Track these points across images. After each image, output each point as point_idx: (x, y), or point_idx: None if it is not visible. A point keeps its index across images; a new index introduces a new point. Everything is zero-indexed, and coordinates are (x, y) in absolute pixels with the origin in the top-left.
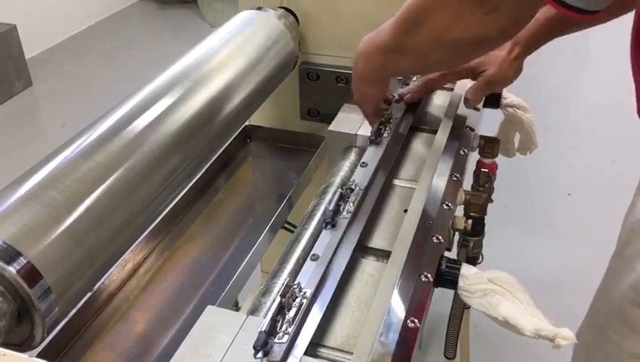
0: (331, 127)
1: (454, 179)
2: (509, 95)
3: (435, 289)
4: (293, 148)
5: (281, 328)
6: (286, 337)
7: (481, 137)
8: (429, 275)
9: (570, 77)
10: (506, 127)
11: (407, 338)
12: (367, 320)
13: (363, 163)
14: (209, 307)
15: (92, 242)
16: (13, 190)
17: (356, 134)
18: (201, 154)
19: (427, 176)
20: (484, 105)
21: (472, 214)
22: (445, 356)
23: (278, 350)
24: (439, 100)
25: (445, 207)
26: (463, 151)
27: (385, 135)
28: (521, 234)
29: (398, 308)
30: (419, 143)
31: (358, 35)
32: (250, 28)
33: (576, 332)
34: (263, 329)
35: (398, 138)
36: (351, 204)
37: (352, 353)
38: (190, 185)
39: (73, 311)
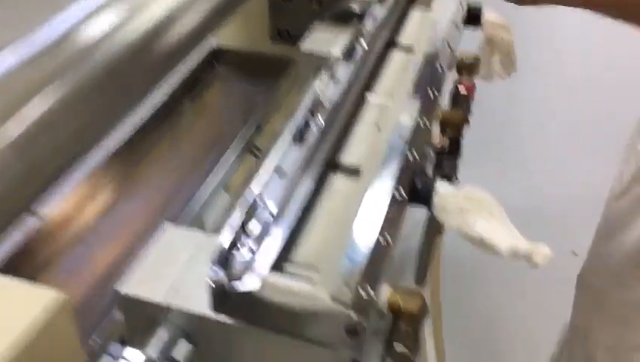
0: (302, 48)
1: (430, 95)
2: (490, 13)
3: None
4: (264, 73)
5: (243, 244)
6: (248, 253)
7: (461, 55)
8: (403, 192)
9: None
10: (486, 47)
11: (379, 255)
12: (335, 236)
13: (334, 78)
14: (166, 224)
15: (38, 152)
16: None
17: (330, 55)
18: (159, 67)
19: (402, 92)
20: (465, 23)
21: (447, 133)
22: (415, 282)
23: (239, 266)
24: (416, 19)
25: (420, 123)
26: (441, 67)
27: (359, 50)
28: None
29: (369, 224)
30: (394, 60)
31: None
32: None
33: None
34: (223, 245)
35: (372, 54)
36: (320, 120)
37: (317, 268)
38: (151, 107)
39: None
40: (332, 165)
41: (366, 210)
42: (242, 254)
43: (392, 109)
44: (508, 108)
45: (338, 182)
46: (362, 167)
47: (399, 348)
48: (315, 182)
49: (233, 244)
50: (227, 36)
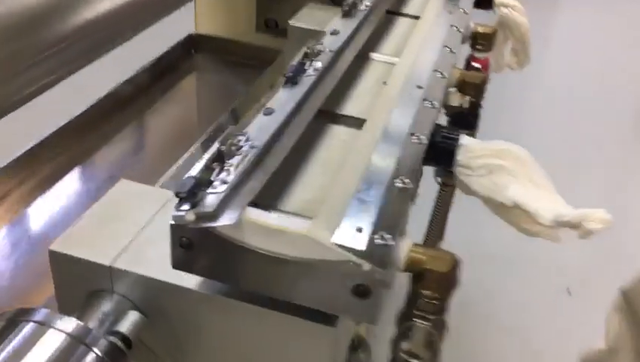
0: (292, 22)
1: (448, 50)
2: None
3: None
4: (246, 63)
5: (218, 178)
6: (224, 186)
7: (475, 26)
8: (422, 137)
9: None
10: (498, 32)
11: (396, 200)
12: (338, 178)
13: (334, 31)
14: (122, 180)
15: None
16: None
17: (323, 31)
18: (110, 24)
19: (413, 46)
20: (476, 6)
21: (467, 93)
22: None
23: (211, 199)
24: None
25: (438, 75)
26: (456, 28)
27: (361, 8)
28: None
29: (382, 167)
30: (401, 24)
31: None
32: None
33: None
34: (191, 174)
35: (375, 14)
36: (318, 63)
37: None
38: (112, 89)
39: None
40: (331, 117)
41: (377, 153)
42: (216, 188)
43: (401, 64)
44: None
45: (339, 132)
46: (368, 117)
47: (419, 323)
48: (308, 126)
49: (205, 177)
50: (208, 25)
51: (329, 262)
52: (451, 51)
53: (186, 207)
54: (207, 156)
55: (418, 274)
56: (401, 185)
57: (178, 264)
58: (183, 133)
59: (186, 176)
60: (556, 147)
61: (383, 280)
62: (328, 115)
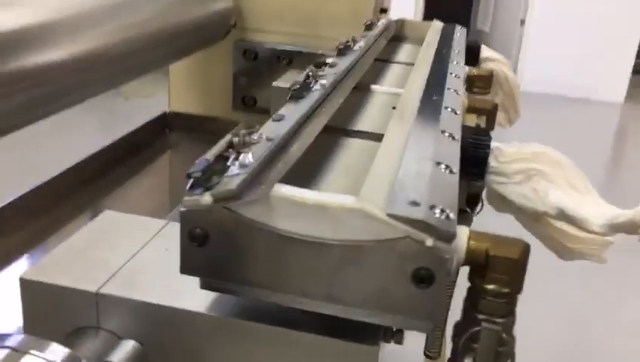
0: (276, 83)
1: (455, 76)
2: (487, 49)
3: None
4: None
5: (235, 162)
6: (244, 169)
7: (470, 70)
8: (454, 134)
9: None
10: None
11: (445, 181)
12: (377, 158)
13: (332, 63)
14: (107, 211)
15: None
16: None
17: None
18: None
19: (416, 79)
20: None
21: (480, 118)
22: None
23: (231, 180)
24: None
25: (449, 110)
26: (457, 62)
27: (355, 50)
28: None
29: (421, 155)
30: (394, 69)
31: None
32: None
33: None
34: (206, 157)
35: (374, 49)
36: (323, 81)
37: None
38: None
39: None
40: (344, 132)
41: (410, 147)
42: (234, 172)
43: (407, 93)
44: None
45: (356, 144)
46: (386, 132)
47: (487, 325)
48: (323, 139)
49: (219, 167)
50: (183, 103)
51: (384, 242)
52: (456, 93)
53: (199, 191)
54: (219, 145)
55: (481, 265)
56: (445, 170)
57: (189, 265)
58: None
59: (199, 158)
60: None
61: (447, 262)
62: (340, 131)
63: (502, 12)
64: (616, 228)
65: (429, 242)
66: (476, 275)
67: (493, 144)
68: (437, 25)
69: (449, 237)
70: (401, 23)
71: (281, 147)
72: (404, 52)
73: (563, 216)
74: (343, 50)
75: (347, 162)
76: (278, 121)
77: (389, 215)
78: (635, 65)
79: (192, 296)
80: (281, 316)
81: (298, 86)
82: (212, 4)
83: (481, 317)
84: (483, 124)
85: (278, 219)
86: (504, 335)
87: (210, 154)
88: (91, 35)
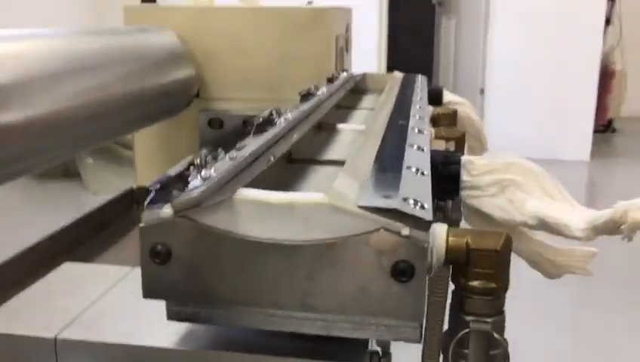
0: None
1: (418, 115)
2: (449, 93)
3: None
4: None
5: (197, 175)
6: (206, 180)
7: (435, 110)
8: (423, 147)
9: None
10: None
11: (418, 181)
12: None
13: (293, 106)
14: (66, 263)
15: None
16: None
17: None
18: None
19: (380, 119)
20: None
21: (449, 145)
22: None
23: (194, 187)
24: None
25: (415, 130)
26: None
27: (317, 95)
28: None
29: (390, 162)
30: (358, 113)
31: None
32: (141, 30)
33: None
34: (167, 173)
35: (336, 96)
36: (288, 115)
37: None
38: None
39: None
40: (309, 162)
41: (380, 155)
42: (196, 183)
43: (373, 125)
44: None
45: (321, 172)
46: (350, 157)
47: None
48: (286, 169)
49: (181, 177)
50: (152, 177)
51: (358, 238)
52: (421, 119)
53: (159, 205)
54: (180, 164)
55: (463, 262)
56: (415, 171)
57: (152, 287)
58: None
59: (162, 175)
60: None
61: (426, 251)
62: (306, 161)
63: (461, 83)
64: (597, 230)
65: (405, 231)
66: (459, 274)
67: (465, 158)
68: (397, 75)
69: (425, 226)
70: (362, 76)
71: (243, 166)
72: (366, 100)
73: (542, 224)
74: (305, 96)
75: (313, 185)
76: (241, 149)
77: (361, 207)
78: (594, 125)
79: (160, 333)
80: (254, 342)
81: (261, 120)
82: (174, 73)
83: (468, 318)
84: (452, 148)
85: (243, 224)
86: (495, 334)
87: (172, 171)
88: (50, 98)
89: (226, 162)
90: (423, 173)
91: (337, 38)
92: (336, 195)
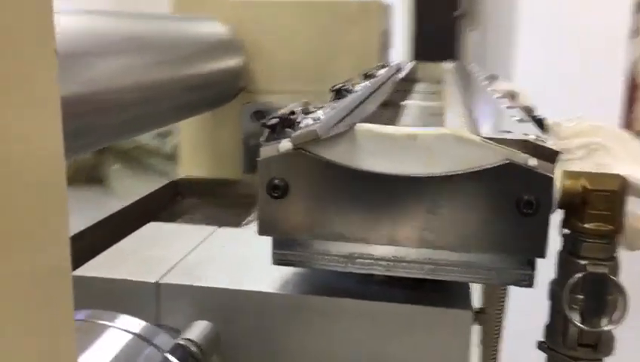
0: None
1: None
2: (504, 82)
3: None
4: (235, 203)
5: (306, 115)
6: (320, 115)
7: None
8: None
9: None
10: None
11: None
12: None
13: (367, 76)
14: (152, 223)
15: None
16: None
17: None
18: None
19: (453, 98)
20: None
21: None
22: None
23: (309, 124)
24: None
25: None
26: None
27: (381, 74)
28: None
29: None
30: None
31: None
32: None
33: None
34: (276, 114)
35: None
36: (358, 87)
37: None
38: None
39: None
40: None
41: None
42: (308, 121)
43: (448, 98)
44: None
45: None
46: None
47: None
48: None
49: (292, 119)
50: (194, 169)
51: (484, 169)
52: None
53: (276, 140)
54: (282, 110)
55: (578, 203)
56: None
57: (268, 224)
58: None
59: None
60: None
61: (553, 183)
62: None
63: None
64: None
65: (533, 161)
66: (574, 217)
67: (551, 120)
68: (447, 65)
69: (552, 156)
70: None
71: (349, 109)
72: (422, 85)
73: (631, 189)
74: (339, 92)
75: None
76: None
77: (486, 138)
78: None
79: (261, 280)
80: (355, 289)
81: (338, 87)
82: (223, 63)
83: (583, 262)
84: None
85: (364, 158)
86: (612, 278)
87: (279, 113)
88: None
89: (329, 107)
90: (523, 120)
91: (382, 33)
92: (457, 129)
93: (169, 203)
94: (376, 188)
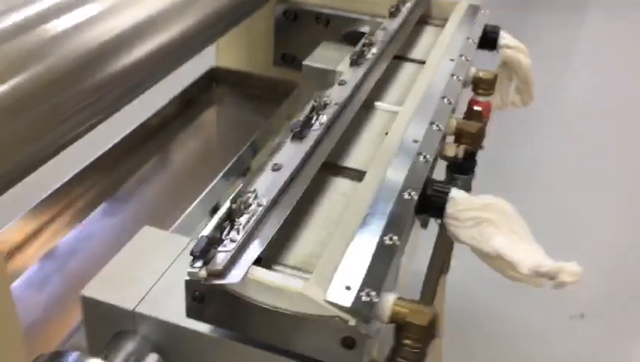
0: (307, 62)
1: (446, 102)
2: (506, 35)
3: None
4: (264, 95)
5: (228, 237)
6: (232, 245)
7: (477, 71)
8: (413, 193)
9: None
10: (502, 72)
11: (384, 257)
12: (334, 238)
13: (341, 81)
14: (145, 227)
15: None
16: None
17: (335, 70)
18: (140, 72)
19: (414, 98)
20: (480, 47)
21: (463, 143)
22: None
23: (221, 258)
24: (430, 35)
25: (435, 127)
26: (457, 78)
27: (368, 56)
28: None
29: (374, 225)
30: (405, 70)
31: None
32: None
33: None
34: (204, 234)
35: (382, 62)
36: (324, 117)
37: (311, 272)
38: (142, 125)
39: None
40: (334, 167)
41: (368, 210)
42: (226, 248)
43: (402, 115)
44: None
45: (339, 185)
46: (368, 170)
47: None
48: (312, 179)
49: (216, 237)
50: (228, 58)
51: (320, 317)
52: (449, 102)
53: (199, 264)
54: (219, 215)
55: (401, 325)
56: (389, 242)
57: (191, 313)
58: (205, 164)
59: (200, 235)
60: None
61: (367, 334)
62: (332, 166)
63: None
64: (539, 274)
65: (352, 322)
66: (398, 331)
67: (452, 193)
68: (462, 6)
69: (367, 319)
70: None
71: (272, 208)
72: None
73: (499, 260)
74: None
75: (328, 209)
76: (277, 170)
77: (326, 301)
78: None
79: None
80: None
81: (298, 128)
82: None
83: (399, 360)
84: (461, 154)
85: (251, 293)
86: None
87: (209, 230)
88: None
89: (253, 215)
90: (393, 244)
91: None
92: (312, 285)
93: (205, 89)
94: (259, 312)
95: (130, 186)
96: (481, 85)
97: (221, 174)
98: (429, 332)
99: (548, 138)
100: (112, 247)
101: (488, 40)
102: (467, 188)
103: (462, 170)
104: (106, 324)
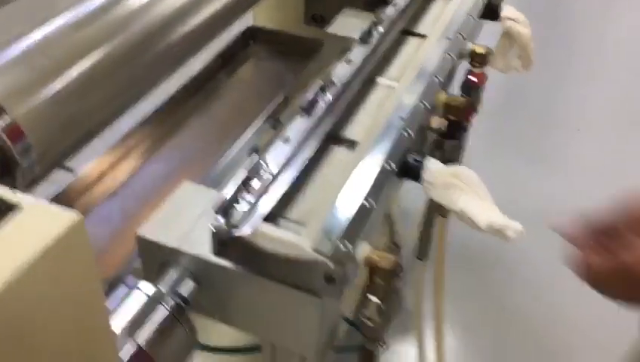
0: (330, 30)
1: (436, 80)
2: (508, 7)
3: None
4: (295, 52)
5: (244, 198)
6: (247, 206)
7: (474, 46)
8: (393, 164)
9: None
10: (504, 41)
11: (361, 216)
12: (327, 199)
13: (348, 60)
14: (185, 182)
15: (75, 110)
16: (0, 53)
17: (355, 39)
18: (194, 39)
19: (409, 75)
20: (482, 17)
21: (449, 117)
22: (417, 257)
23: (238, 216)
24: (436, 9)
25: (421, 104)
26: (450, 55)
27: (375, 35)
28: (526, 165)
29: (357, 189)
30: (408, 46)
31: None
32: None
33: None
34: (225, 197)
35: (388, 40)
36: (329, 96)
37: (307, 225)
38: (188, 78)
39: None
40: (335, 138)
41: (356, 176)
42: (242, 206)
43: (397, 90)
44: (546, 105)
45: (338, 153)
46: (361, 140)
47: (373, 298)
48: (316, 150)
49: (234, 198)
50: (263, 17)
51: (309, 261)
52: (440, 81)
53: (220, 219)
54: (236, 180)
55: (372, 268)
56: (368, 205)
57: (216, 252)
58: (242, 114)
59: (221, 196)
60: None
61: (343, 273)
62: (333, 137)
63: None
64: (492, 229)
65: (331, 265)
66: (370, 272)
67: (427, 163)
68: None
69: (343, 264)
70: None
71: (279, 176)
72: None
73: (463, 216)
74: (364, 37)
75: (327, 174)
76: (286, 142)
77: (314, 249)
78: None
79: None
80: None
81: (306, 105)
82: None
83: (370, 294)
84: (444, 127)
85: (259, 242)
86: (383, 305)
87: (230, 192)
88: None
89: (264, 182)
90: (369, 207)
91: None
92: (304, 237)
93: (242, 47)
94: (266, 254)
95: (182, 133)
96: (476, 59)
97: (256, 122)
98: (392, 273)
99: (583, 81)
100: (165, 188)
101: (491, 11)
102: (456, 153)
103: (448, 135)
104: (156, 257)
